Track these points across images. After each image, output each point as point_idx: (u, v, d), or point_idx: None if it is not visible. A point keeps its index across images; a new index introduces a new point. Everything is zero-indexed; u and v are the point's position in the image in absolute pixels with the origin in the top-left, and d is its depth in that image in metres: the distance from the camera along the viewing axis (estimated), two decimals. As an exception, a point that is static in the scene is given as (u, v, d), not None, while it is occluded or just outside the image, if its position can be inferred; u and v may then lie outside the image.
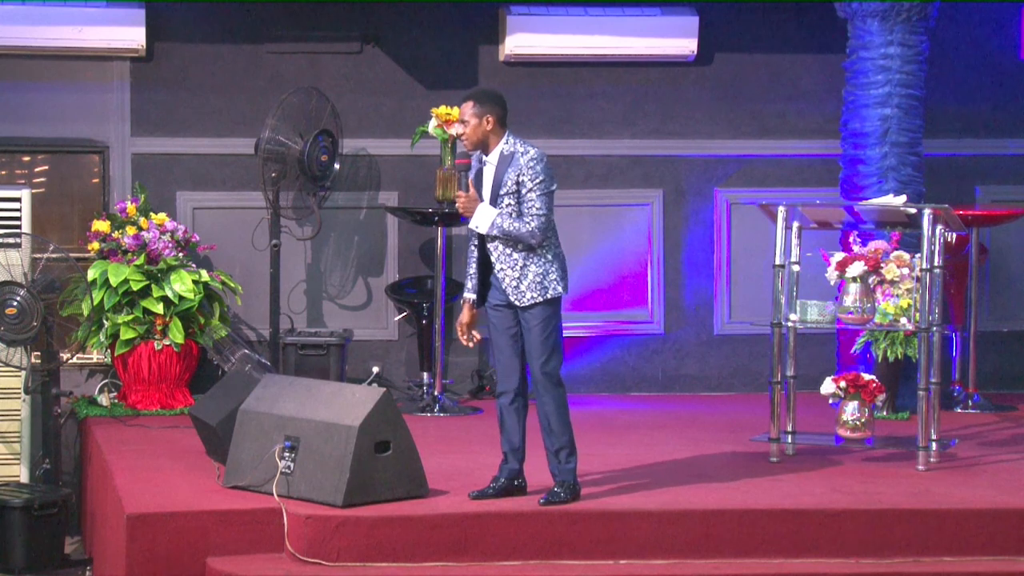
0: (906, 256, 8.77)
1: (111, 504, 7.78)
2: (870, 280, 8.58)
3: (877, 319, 8.55)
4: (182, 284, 9.76)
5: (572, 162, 10.67)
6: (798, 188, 10.70)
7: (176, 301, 9.75)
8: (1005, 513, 7.52)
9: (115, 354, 9.79)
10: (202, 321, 9.86)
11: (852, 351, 9.86)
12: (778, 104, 10.90)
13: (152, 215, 10.01)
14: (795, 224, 8.61)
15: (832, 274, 8.63)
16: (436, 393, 10.04)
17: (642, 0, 10.69)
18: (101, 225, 9.94)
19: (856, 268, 8.47)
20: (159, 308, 9.71)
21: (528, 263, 7.36)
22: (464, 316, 7.57)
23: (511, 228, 7.31)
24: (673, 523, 7.36)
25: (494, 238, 7.39)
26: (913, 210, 8.44)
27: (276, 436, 7.58)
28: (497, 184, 7.37)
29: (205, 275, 9.91)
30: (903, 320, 8.55)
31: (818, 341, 10.31)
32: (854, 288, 8.48)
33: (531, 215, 7.30)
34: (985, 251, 10.70)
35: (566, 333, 10.43)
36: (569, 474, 7.46)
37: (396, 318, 10.65)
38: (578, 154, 10.66)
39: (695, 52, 10.70)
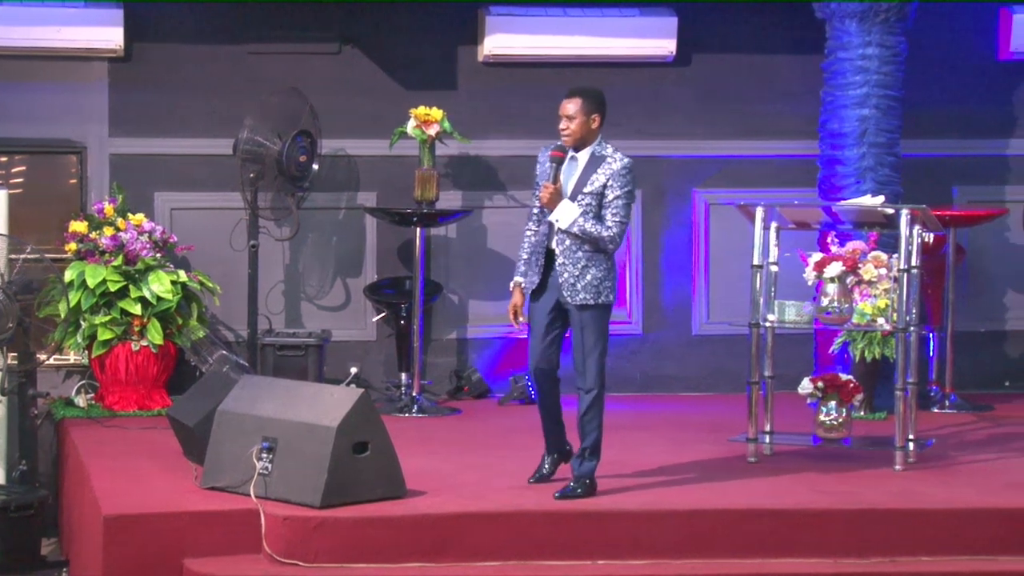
0: (884, 256, 8.79)
1: (88, 505, 7.76)
2: (848, 280, 8.60)
3: (855, 319, 8.56)
4: (160, 285, 9.74)
5: (551, 163, 10.66)
6: (776, 188, 10.70)
7: (154, 302, 9.73)
8: (982, 513, 7.54)
9: (92, 355, 9.77)
10: (180, 322, 9.84)
11: (830, 351, 9.88)
12: (757, 105, 10.91)
13: (130, 216, 9.99)
14: (773, 224, 8.62)
15: (810, 274, 8.64)
16: (414, 394, 10.04)
17: (621, 1, 10.70)
18: (78, 226, 9.91)
19: (834, 268, 8.49)
20: (136, 309, 9.69)
21: (590, 264, 7.52)
22: (516, 298, 7.67)
23: (592, 230, 7.47)
24: (652, 523, 7.37)
25: (564, 233, 7.49)
26: (891, 210, 8.45)
27: (254, 437, 7.57)
28: (582, 182, 7.52)
29: (183, 276, 9.89)
30: (880, 320, 8.56)
31: (796, 341, 10.32)
32: (832, 288, 8.50)
33: (613, 221, 7.49)
34: (962, 251, 10.73)
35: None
36: (588, 472, 7.63)
37: (374, 319, 10.64)
38: (557, 155, 10.65)
39: (674, 53, 10.71)
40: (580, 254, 7.52)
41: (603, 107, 7.60)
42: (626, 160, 7.55)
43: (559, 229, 7.52)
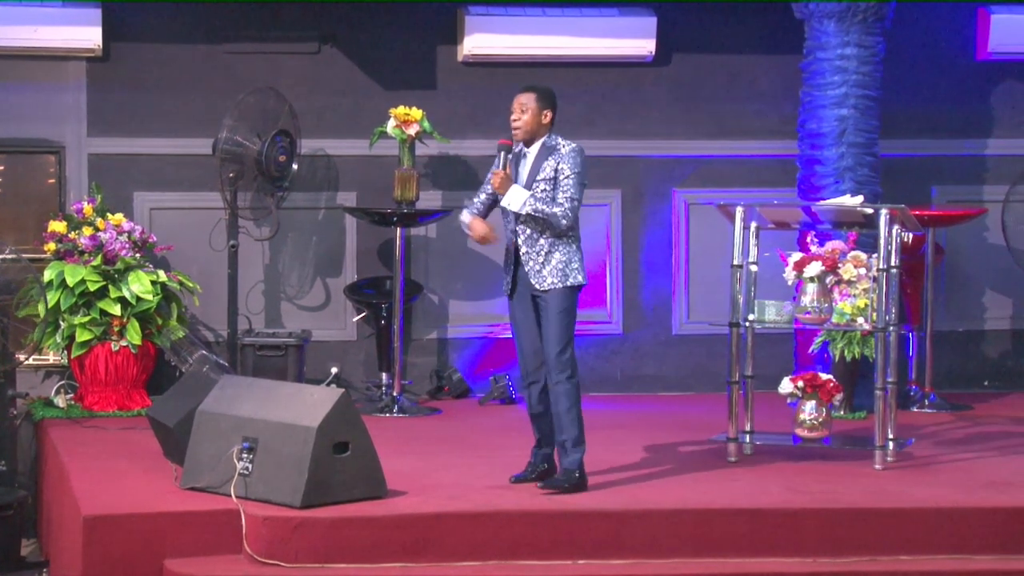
0: (863, 256, 8.80)
1: (68, 506, 7.74)
2: (827, 280, 8.61)
3: (834, 319, 8.58)
4: (139, 285, 9.71)
5: (530, 162, 10.66)
6: (756, 188, 10.73)
7: (133, 302, 9.71)
8: (961, 512, 7.56)
9: (71, 355, 9.74)
10: (159, 322, 9.82)
11: (810, 351, 9.89)
12: (736, 104, 10.93)
13: (109, 215, 9.97)
14: (753, 224, 8.64)
15: (790, 274, 8.65)
16: (395, 394, 10.03)
17: (600, 1, 10.71)
18: (57, 226, 9.89)
19: (813, 268, 8.50)
20: (116, 309, 9.67)
21: (553, 249, 7.69)
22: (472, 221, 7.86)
23: (543, 207, 7.65)
24: (631, 523, 7.38)
25: (524, 222, 7.68)
26: (870, 210, 8.47)
27: (234, 437, 7.56)
28: (535, 171, 7.74)
29: (163, 276, 9.87)
30: (860, 320, 8.58)
31: (776, 341, 10.34)
32: (811, 288, 8.51)
33: (564, 198, 7.67)
34: (941, 251, 10.75)
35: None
36: (573, 464, 7.70)
37: (354, 319, 10.63)
38: (536, 154, 10.65)
39: (653, 53, 10.72)
40: (542, 241, 7.69)
41: (555, 105, 7.82)
42: (574, 144, 7.78)
43: (516, 219, 7.71)
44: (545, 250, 7.69)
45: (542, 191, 7.68)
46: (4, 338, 8.77)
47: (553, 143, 7.76)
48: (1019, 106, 11.10)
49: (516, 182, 7.74)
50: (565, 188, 7.67)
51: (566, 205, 7.65)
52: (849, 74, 9.98)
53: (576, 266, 7.72)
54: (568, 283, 7.69)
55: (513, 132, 7.78)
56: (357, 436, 7.48)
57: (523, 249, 7.72)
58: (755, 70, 10.94)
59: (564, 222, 7.65)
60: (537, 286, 7.69)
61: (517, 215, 7.69)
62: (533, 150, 7.78)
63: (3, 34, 10.04)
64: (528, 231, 7.70)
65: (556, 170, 7.70)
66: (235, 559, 7.20)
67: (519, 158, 7.81)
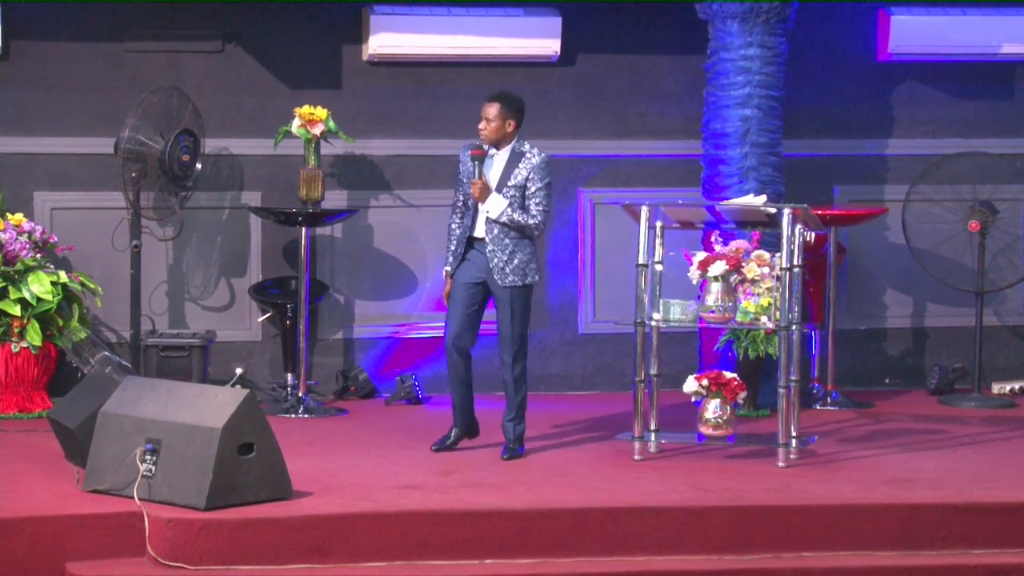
0: (766, 255, 8.87)
1: (-33, 510, 7.64)
2: (731, 279, 8.67)
3: (738, 318, 8.64)
4: (40, 285, 9.62)
5: (437, 162, 10.66)
6: (661, 188, 10.78)
7: (34, 303, 9.61)
8: (862, 508, 7.64)
9: (-29, 357, 9.63)
10: (61, 323, 9.73)
11: (714, 349, 9.96)
12: (641, 105, 10.98)
13: (9, 215, 9.86)
14: (658, 224, 8.69)
15: (694, 273, 8.71)
16: (300, 394, 9.99)
17: (505, 1, 10.72)
18: (-44, 226, 9.77)
19: (718, 267, 8.56)
20: (16, 310, 9.56)
21: (516, 250, 8.42)
22: (448, 287, 8.58)
23: (519, 219, 8.40)
24: (538, 522, 7.40)
25: (492, 223, 8.37)
26: (773, 210, 8.55)
27: (137, 439, 7.50)
28: (505, 177, 8.43)
29: (64, 276, 9.77)
30: (764, 319, 8.65)
31: (681, 340, 10.40)
32: (716, 287, 8.57)
33: (537, 211, 8.44)
34: (843, 250, 10.86)
35: (430, 334, 10.44)
36: (522, 433, 8.53)
37: (259, 319, 10.57)
38: (442, 154, 10.64)
39: (558, 53, 10.75)
40: (507, 241, 8.39)
41: (520, 113, 8.52)
42: (543, 155, 8.49)
43: (488, 219, 8.37)
44: (510, 249, 8.39)
45: (512, 196, 8.36)
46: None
47: (521, 149, 8.46)
48: (919, 106, 11.23)
49: (486, 184, 8.35)
50: (538, 200, 8.40)
51: (539, 218, 8.40)
52: (752, 74, 10.06)
53: (534, 266, 8.48)
54: (527, 282, 8.43)
55: (480, 139, 8.46)
56: (262, 437, 7.45)
57: (489, 247, 8.38)
58: (660, 70, 10.99)
59: (537, 232, 8.46)
60: (500, 281, 8.38)
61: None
62: (502, 155, 8.46)
63: (-100, 31, 9.90)
64: (496, 230, 8.38)
65: (526, 179, 8.39)
66: (138, 562, 7.15)
67: (483, 159, 8.43)
